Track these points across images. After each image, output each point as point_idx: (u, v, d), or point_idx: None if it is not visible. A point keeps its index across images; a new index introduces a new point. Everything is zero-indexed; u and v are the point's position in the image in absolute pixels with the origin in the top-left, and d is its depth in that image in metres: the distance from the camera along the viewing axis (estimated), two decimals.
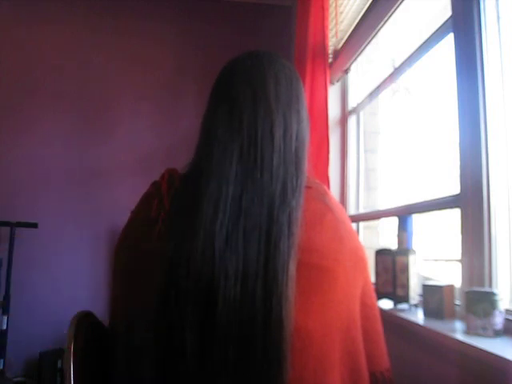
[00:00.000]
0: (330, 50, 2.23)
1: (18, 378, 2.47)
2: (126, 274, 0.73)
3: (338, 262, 0.68)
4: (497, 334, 0.98)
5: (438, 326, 1.11)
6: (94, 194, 2.76)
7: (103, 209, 2.74)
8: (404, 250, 1.37)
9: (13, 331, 2.37)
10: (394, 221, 1.57)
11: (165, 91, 2.91)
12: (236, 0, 3.03)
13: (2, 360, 2.27)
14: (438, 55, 1.55)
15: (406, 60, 1.71)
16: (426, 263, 1.70)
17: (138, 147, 2.83)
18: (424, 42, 1.57)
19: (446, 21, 1.38)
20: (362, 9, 2.01)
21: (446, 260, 1.75)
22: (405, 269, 1.33)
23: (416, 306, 1.33)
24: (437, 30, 1.47)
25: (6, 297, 2.36)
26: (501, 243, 1.10)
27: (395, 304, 1.38)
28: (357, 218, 2.15)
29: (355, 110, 2.29)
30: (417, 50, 1.62)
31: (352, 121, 2.32)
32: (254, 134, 0.69)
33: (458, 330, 1.06)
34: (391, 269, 1.39)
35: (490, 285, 1.09)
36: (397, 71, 1.80)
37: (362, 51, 2.10)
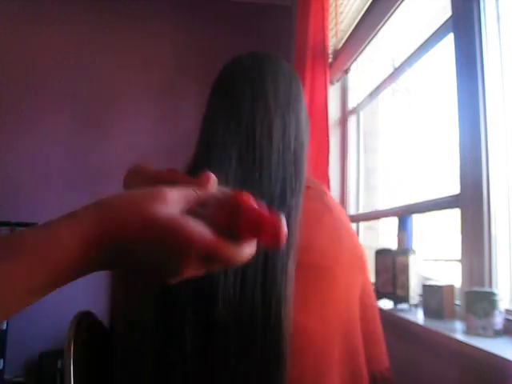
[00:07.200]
0: (330, 49, 2.22)
1: (18, 378, 2.47)
2: (126, 273, 0.73)
3: (337, 262, 0.68)
4: (497, 333, 0.98)
5: (438, 325, 1.11)
6: (94, 194, 2.68)
7: None
8: (404, 249, 1.37)
9: (13, 331, 2.36)
10: (394, 221, 1.57)
11: (165, 91, 2.91)
12: (236, 0, 3.03)
13: (1, 360, 2.27)
14: (438, 55, 1.55)
15: (406, 60, 1.71)
16: (426, 263, 1.70)
17: (138, 147, 2.82)
18: (424, 42, 1.57)
19: (446, 21, 1.38)
20: (362, 9, 2.01)
21: (446, 260, 1.74)
22: (405, 269, 1.33)
23: (416, 306, 1.33)
24: (437, 30, 1.47)
25: None
26: (501, 243, 1.10)
27: (395, 304, 1.38)
28: (357, 218, 2.15)
29: (355, 110, 2.29)
30: (417, 50, 1.62)
31: (352, 121, 2.32)
32: (253, 134, 0.69)
33: (458, 330, 1.06)
34: (391, 269, 1.39)
35: (490, 285, 1.09)
36: (397, 71, 1.80)
37: (362, 51, 2.10)
